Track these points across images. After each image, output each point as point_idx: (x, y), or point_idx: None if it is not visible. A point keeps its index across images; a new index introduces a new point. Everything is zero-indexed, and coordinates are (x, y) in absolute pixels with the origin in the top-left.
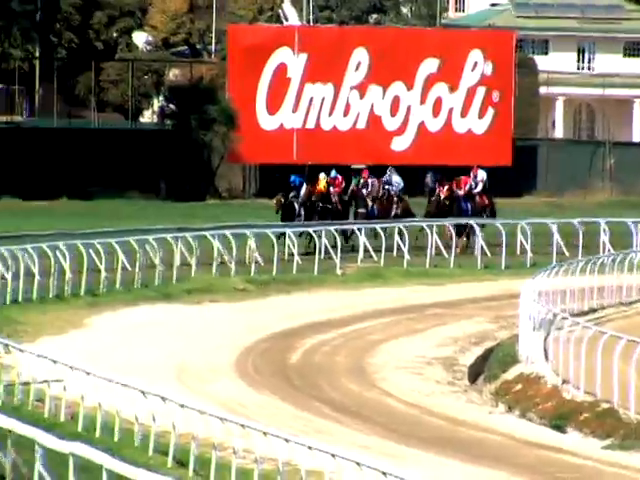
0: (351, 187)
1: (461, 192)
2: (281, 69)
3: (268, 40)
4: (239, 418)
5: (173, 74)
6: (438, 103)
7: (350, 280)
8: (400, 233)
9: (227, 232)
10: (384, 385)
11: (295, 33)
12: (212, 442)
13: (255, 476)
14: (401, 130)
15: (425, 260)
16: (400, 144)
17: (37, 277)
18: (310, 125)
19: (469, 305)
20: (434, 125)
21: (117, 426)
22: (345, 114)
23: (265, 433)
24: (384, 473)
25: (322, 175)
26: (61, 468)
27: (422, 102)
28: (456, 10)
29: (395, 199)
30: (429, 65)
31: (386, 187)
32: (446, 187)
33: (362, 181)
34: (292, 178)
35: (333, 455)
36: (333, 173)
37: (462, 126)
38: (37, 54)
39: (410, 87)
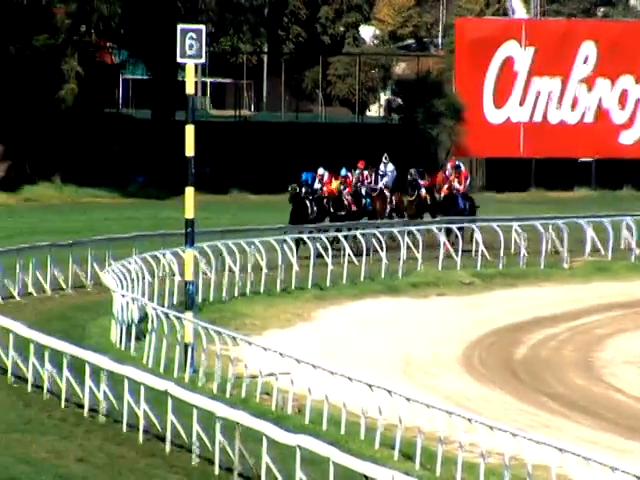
0: (353, 181)
1: (461, 187)
2: (508, 62)
3: (495, 33)
4: (465, 412)
5: (400, 68)
6: None
7: (577, 274)
8: (628, 228)
9: (453, 226)
10: (612, 380)
11: (522, 26)
12: (438, 436)
13: (481, 470)
14: (629, 123)
15: None
16: (628, 137)
17: (264, 270)
18: (537, 119)
19: None
20: None
21: (343, 419)
22: (572, 108)
23: (492, 427)
24: (613, 468)
25: (321, 170)
26: (288, 460)
27: None
28: None
29: (387, 194)
30: None
31: (382, 180)
32: (446, 185)
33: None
34: (304, 176)
35: (560, 450)
36: (343, 171)
37: None
38: (265, 48)
39: (638, 80)
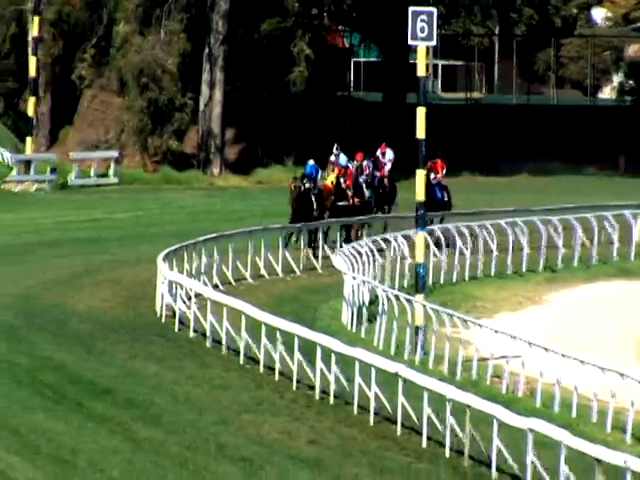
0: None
1: (439, 175)
2: None
3: None
4: None
5: (633, 50)
6: None
7: None
8: None
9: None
10: None
11: None
12: None
13: None
14: None
15: None
16: None
17: (494, 253)
18: None
19: None
20: None
21: (574, 402)
22: None
23: None
24: None
25: (311, 161)
26: (519, 444)
27: None
28: None
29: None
30: None
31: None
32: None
33: (356, 164)
34: (308, 169)
35: None
36: (343, 161)
37: None
38: (496, 30)
39: None
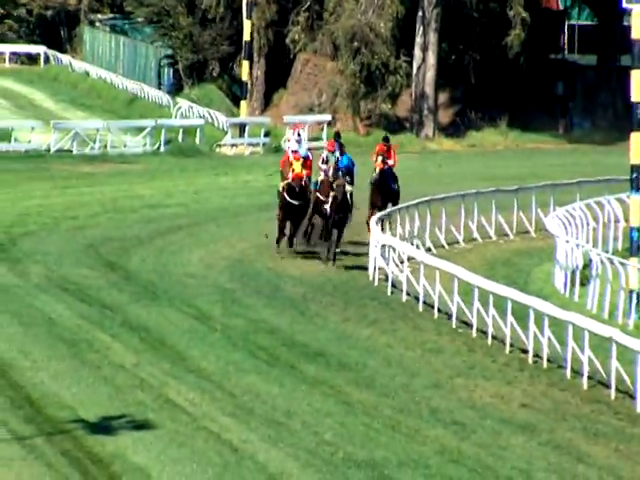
0: (329, 166)
1: (391, 162)
2: None
3: None
4: None
5: None
6: None
7: None
8: None
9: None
10: None
11: None
12: None
13: None
14: None
15: None
16: None
17: None
18: None
19: None
20: None
21: None
22: None
23: None
24: None
25: (294, 142)
26: None
27: None
28: None
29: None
30: None
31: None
32: (380, 158)
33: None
34: (346, 161)
35: None
36: (304, 151)
37: None
38: None
39: None
